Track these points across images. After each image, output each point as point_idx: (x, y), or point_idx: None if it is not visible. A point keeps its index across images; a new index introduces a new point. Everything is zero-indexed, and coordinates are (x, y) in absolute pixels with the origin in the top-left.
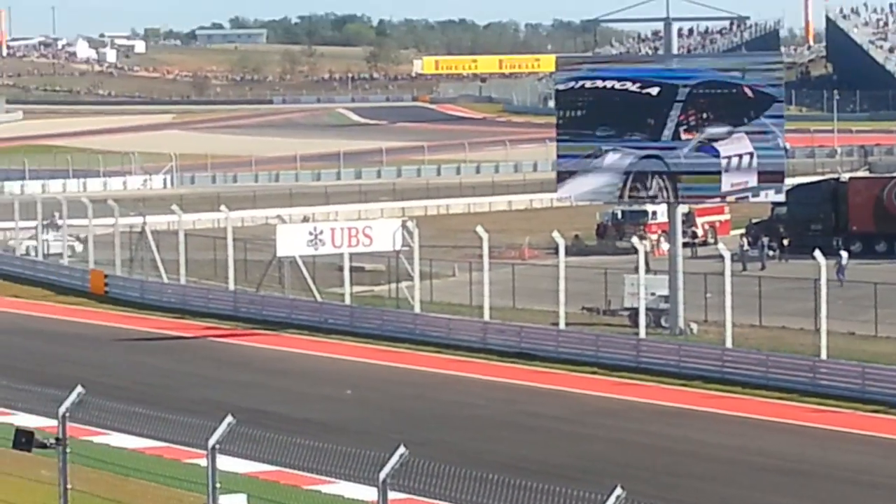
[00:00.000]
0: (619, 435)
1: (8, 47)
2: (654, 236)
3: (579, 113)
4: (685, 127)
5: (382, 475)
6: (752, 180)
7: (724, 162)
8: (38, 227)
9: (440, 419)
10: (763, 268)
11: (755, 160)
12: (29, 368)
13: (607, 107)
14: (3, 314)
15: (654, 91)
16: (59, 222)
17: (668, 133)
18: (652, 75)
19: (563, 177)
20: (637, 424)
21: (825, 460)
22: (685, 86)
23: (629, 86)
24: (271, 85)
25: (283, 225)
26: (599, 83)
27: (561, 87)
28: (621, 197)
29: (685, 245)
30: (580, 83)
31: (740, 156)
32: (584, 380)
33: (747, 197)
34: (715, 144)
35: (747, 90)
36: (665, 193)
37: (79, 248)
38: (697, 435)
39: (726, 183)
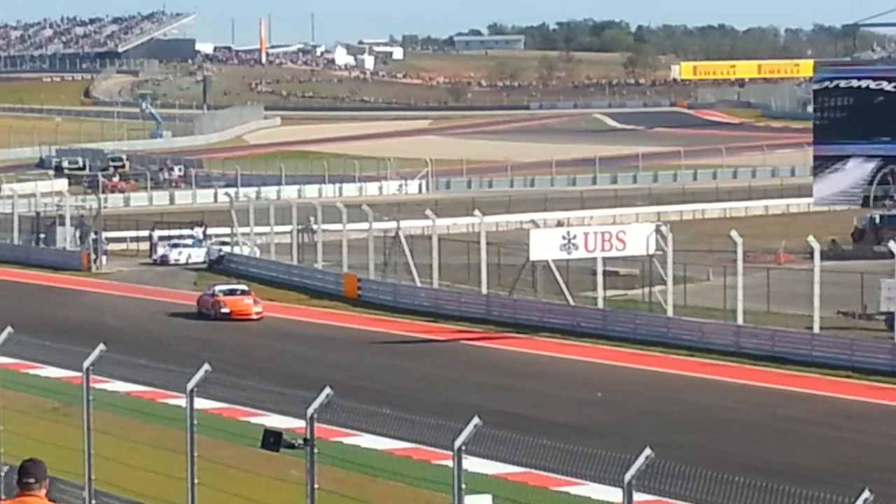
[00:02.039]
0: (872, 439)
1: (267, 55)
2: None
3: (836, 114)
4: None
5: (627, 476)
6: None
7: None
8: (294, 232)
9: (691, 422)
10: None
11: None
12: (281, 371)
13: (861, 108)
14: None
15: None
16: (315, 227)
17: None
18: None
19: (817, 180)
20: (892, 429)
21: None
22: None
23: (885, 85)
24: (528, 91)
25: (536, 229)
26: (854, 83)
27: (816, 87)
28: (866, 203)
29: None
30: (835, 83)
31: None
32: (837, 384)
33: None
34: None
35: None
36: None
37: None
38: None
39: None
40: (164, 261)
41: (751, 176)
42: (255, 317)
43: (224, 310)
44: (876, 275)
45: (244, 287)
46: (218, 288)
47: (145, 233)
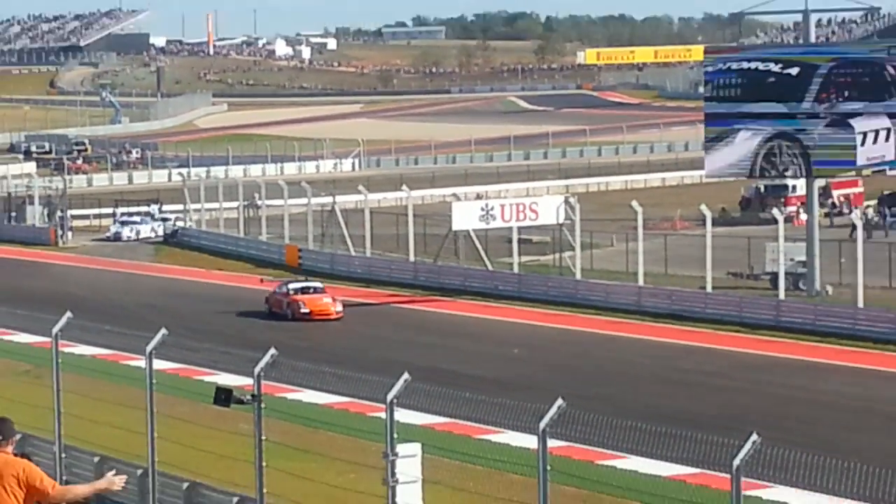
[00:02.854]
0: (761, 388)
1: (214, 47)
2: (793, 208)
3: (725, 94)
4: (822, 104)
5: (542, 425)
6: (890, 154)
7: (859, 137)
8: (240, 207)
9: (599, 374)
10: (886, 235)
11: (892, 136)
12: (230, 333)
13: (750, 87)
14: (210, 286)
15: (794, 71)
16: (259, 203)
17: (803, 110)
18: (795, 54)
19: (708, 155)
20: (778, 378)
21: None
22: (828, 62)
23: (772, 66)
24: (449, 77)
25: (458, 202)
26: (745, 64)
27: (710, 69)
28: (753, 174)
29: (823, 215)
30: (727, 65)
31: (877, 131)
32: (728, 338)
33: (884, 170)
34: (850, 120)
35: (890, 69)
36: (796, 168)
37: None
38: (832, 387)
39: (861, 157)
40: (116, 237)
41: (649, 151)
42: (334, 316)
43: (304, 310)
44: (761, 239)
45: (318, 284)
46: (291, 286)
47: (108, 210)
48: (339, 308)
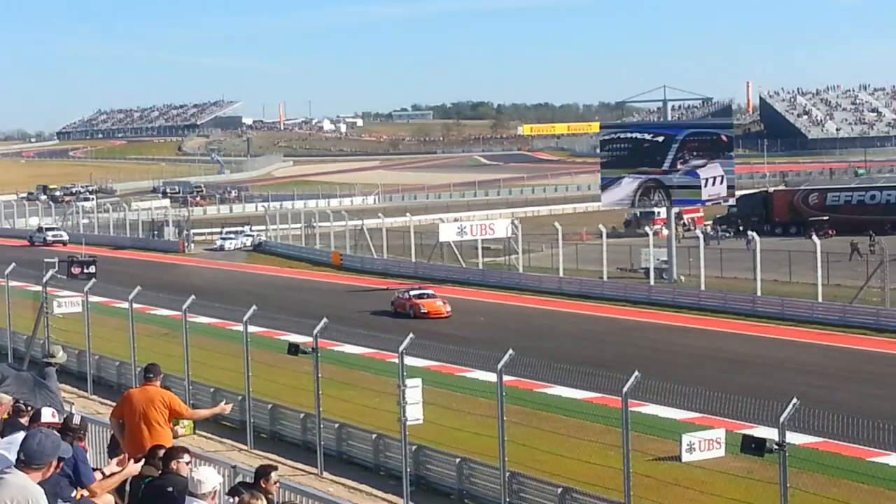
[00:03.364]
0: (638, 342)
1: (284, 124)
2: (659, 226)
3: (614, 153)
4: (678, 160)
5: (499, 366)
6: (723, 192)
7: (703, 181)
8: (302, 228)
9: (535, 334)
10: (718, 244)
11: (724, 181)
12: (296, 308)
13: (631, 149)
14: (287, 278)
15: (660, 139)
16: (314, 224)
17: (667, 164)
18: (660, 129)
19: (604, 193)
20: (650, 335)
21: (768, 356)
22: (681, 135)
23: (646, 136)
24: (435, 143)
25: (442, 223)
26: (627, 134)
27: (604, 137)
28: (633, 204)
29: (678, 231)
30: (616, 134)
31: (714, 177)
32: (619, 310)
33: (720, 203)
34: (697, 170)
35: (723, 137)
36: (661, 201)
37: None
38: (685, 341)
39: (704, 194)
40: (221, 248)
41: (565, 190)
42: (445, 315)
43: (424, 310)
44: (638, 246)
45: (430, 291)
46: (412, 293)
47: (217, 230)
48: (450, 308)
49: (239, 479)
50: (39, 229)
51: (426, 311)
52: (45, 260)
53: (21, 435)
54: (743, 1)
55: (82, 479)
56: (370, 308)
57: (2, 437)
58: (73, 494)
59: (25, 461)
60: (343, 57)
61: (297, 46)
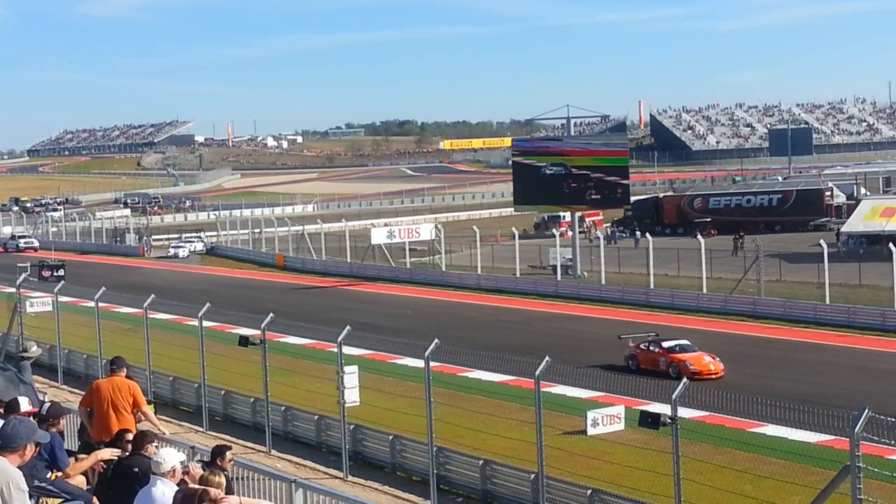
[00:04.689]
0: (546, 330)
1: (232, 141)
2: (564, 228)
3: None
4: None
5: (426, 353)
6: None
7: None
8: (249, 233)
9: (459, 325)
10: (615, 243)
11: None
12: (245, 304)
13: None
14: (237, 278)
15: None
16: (259, 230)
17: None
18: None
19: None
20: (555, 324)
21: None
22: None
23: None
24: (367, 157)
25: (374, 227)
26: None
27: (515, 151)
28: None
29: (580, 232)
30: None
31: None
32: (529, 302)
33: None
34: None
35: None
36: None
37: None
38: (586, 328)
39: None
40: (176, 256)
41: (482, 197)
42: (715, 376)
43: (693, 368)
44: (546, 246)
45: (686, 341)
46: (666, 345)
47: (174, 236)
48: (722, 366)
49: (197, 458)
50: (12, 237)
51: (697, 369)
52: (19, 264)
53: None
54: (636, 27)
55: (58, 462)
56: (597, 362)
57: None
58: (47, 475)
59: (2, 445)
60: (285, 81)
61: (244, 72)
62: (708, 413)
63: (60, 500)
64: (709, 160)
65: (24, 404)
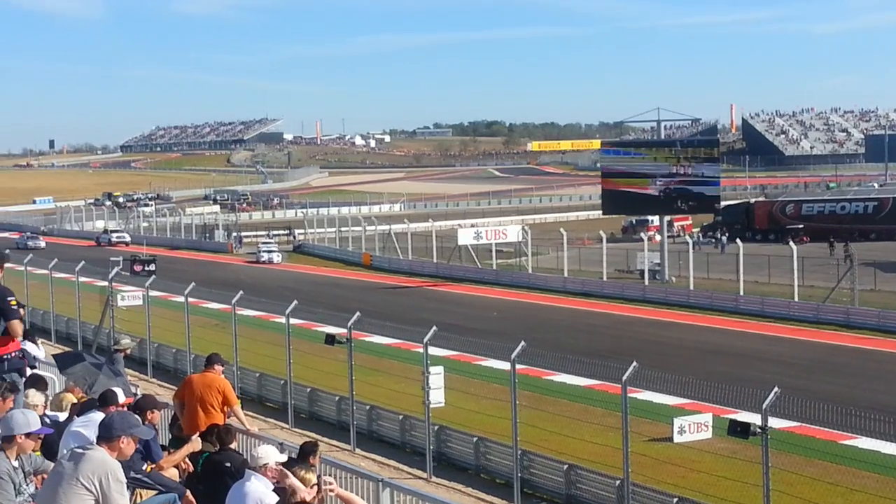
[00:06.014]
0: (633, 335)
1: (320, 140)
2: (652, 232)
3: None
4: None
5: (513, 356)
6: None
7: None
8: (336, 231)
9: (543, 327)
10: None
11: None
12: (331, 303)
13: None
14: (323, 276)
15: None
16: (344, 228)
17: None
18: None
19: (605, 202)
20: (643, 329)
21: (750, 349)
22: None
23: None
24: (455, 157)
25: (461, 228)
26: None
27: (604, 154)
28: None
29: (669, 237)
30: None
31: None
32: (616, 307)
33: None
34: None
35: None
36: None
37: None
38: (675, 334)
39: None
40: (270, 261)
41: (569, 200)
42: None
43: None
44: (634, 250)
45: None
46: None
47: (262, 232)
48: None
49: (285, 455)
50: (105, 231)
51: None
52: (111, 259)
53: (97, 414)
54: (729, 30)
55: (153, 454)
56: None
57: (78, 417)
58: (143, 467)
59: (103, 437)
60: (373, 80)
61: (333, 70)
62: (799, 423)
63: (154, 492)
64: (802, 165)
65: (121, 396)
